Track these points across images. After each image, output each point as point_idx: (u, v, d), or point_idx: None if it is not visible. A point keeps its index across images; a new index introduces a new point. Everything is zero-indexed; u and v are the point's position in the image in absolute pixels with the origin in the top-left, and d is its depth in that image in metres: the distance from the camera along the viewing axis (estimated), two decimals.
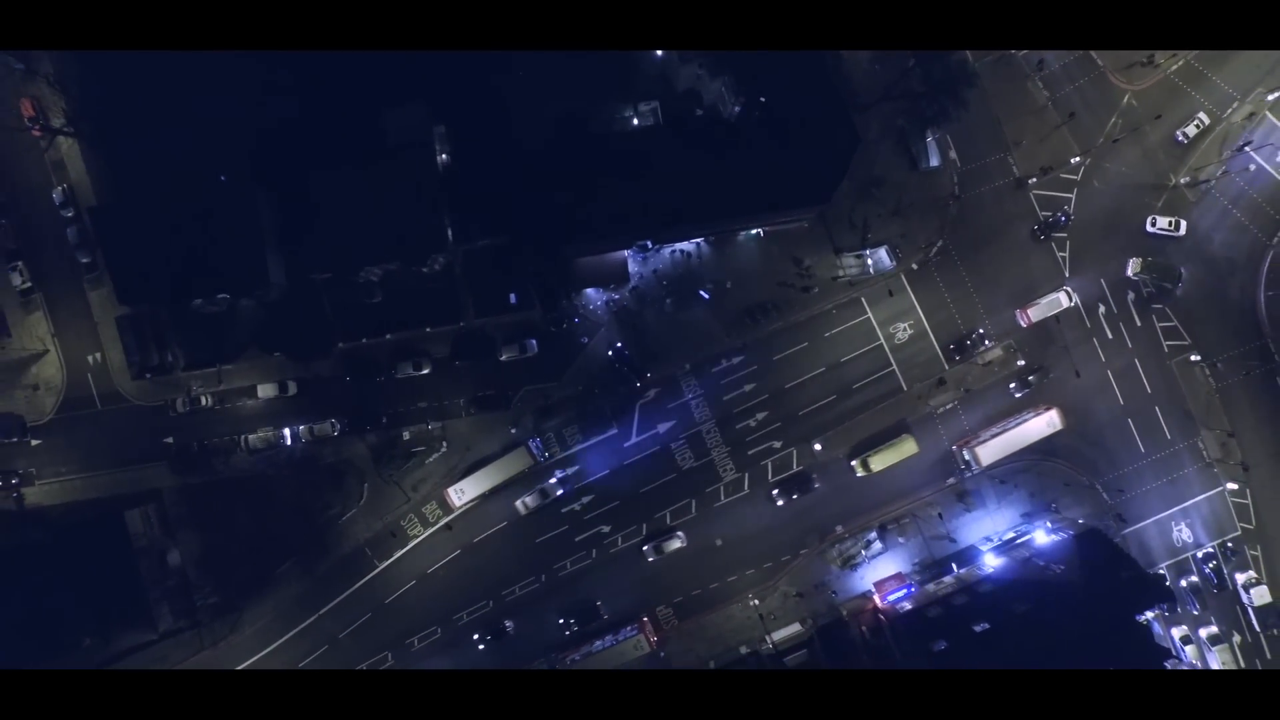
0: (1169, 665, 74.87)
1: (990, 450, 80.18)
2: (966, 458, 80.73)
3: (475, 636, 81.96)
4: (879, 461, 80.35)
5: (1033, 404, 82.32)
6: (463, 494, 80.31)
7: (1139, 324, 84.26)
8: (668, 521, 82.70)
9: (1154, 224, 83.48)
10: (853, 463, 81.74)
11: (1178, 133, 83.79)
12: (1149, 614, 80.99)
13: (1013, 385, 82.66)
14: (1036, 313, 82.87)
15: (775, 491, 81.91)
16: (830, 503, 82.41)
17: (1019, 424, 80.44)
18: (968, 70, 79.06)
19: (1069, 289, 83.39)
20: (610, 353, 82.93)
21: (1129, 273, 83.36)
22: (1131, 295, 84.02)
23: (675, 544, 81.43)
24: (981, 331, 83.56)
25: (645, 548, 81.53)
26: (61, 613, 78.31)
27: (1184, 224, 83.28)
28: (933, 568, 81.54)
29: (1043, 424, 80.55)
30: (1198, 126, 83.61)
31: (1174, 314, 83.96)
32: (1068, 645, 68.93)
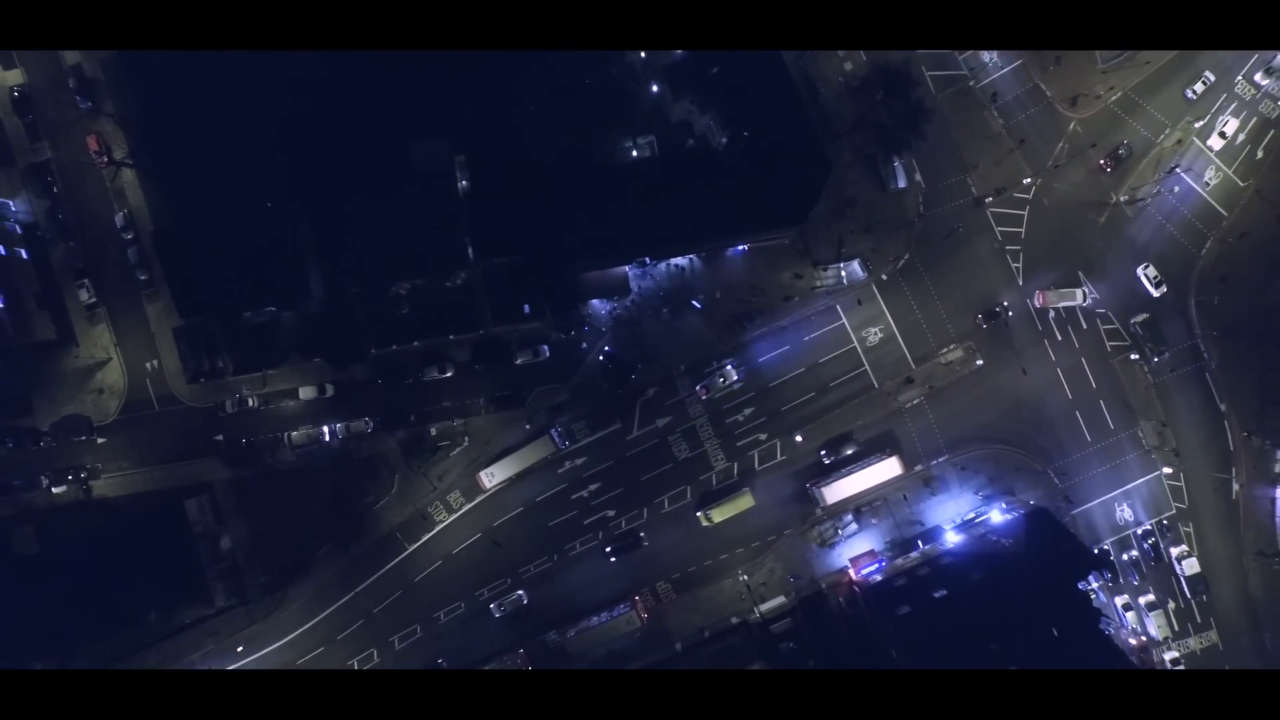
0: (1106, 628, 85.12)
1: (835, 491, 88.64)
2: (816, 495, 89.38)
3: (492, 605, 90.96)
4: (719, 514, 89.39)
5: (880, 449, 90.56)
6: (493, 477, 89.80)
7: (1085, 327, 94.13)
8: (665, 506, 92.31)
9: (1146, 270, 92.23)
10: (698, 514, 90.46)
11: (1187, 90, 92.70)
12: (1094, 584, 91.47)
13: (823, 452, 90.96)
14: (1053, 298, 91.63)
15: (608, 550, 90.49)
16: (670, 554, 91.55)
17: (863, 468, 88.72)
18: (925, 106, 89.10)
19: (1087, 288, 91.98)
20: (600, 358, 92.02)
21: (1132, 321, 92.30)
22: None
23: (519, 600, 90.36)
24: (1006, 303, 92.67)
25: (491, 606, 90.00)
26: (130, 591, 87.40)
27: (1165, 288, 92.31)
28: (901, 545, 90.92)
29: (884, 470, 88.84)
30: (1204, 83, 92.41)
31: (1116, 318, 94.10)
32: (1014, 608, 79.07)
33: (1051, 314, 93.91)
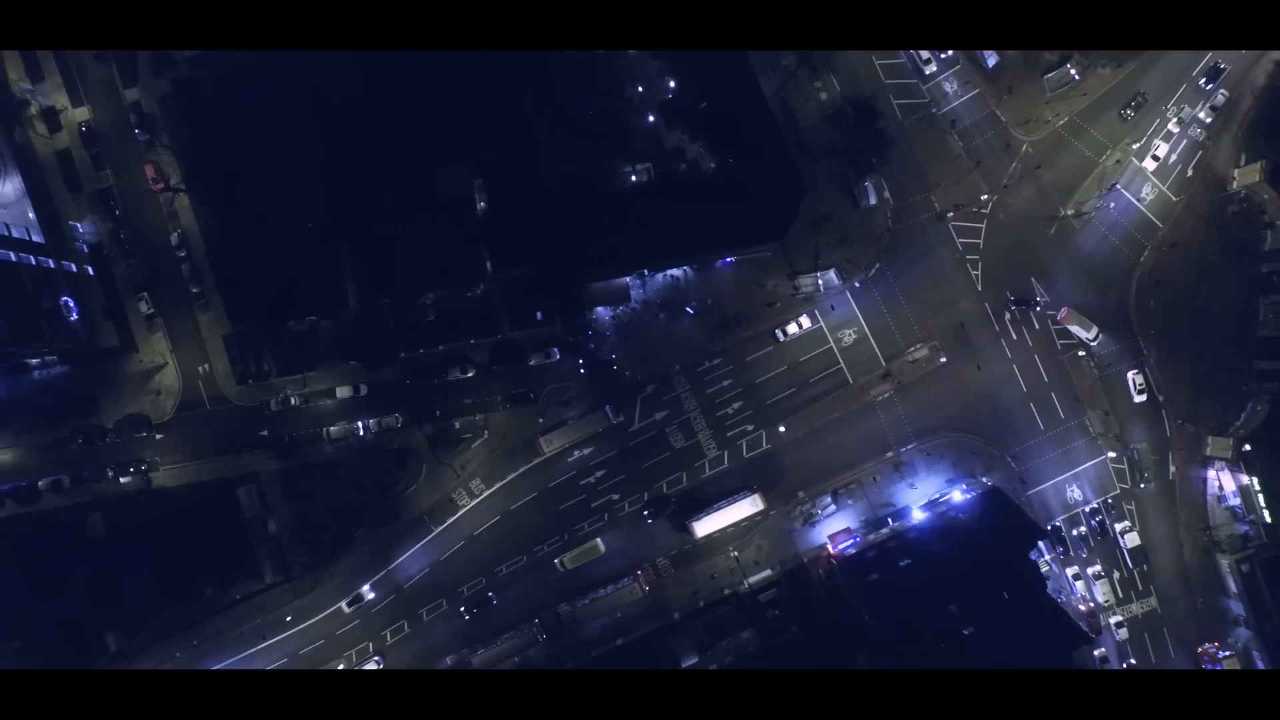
0: (1058, 596, 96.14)
1: (705, 525, 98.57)
2: (690, 527, 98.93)
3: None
4: (571, 560, 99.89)
5: (747, 486, 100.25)
6: (551, 444, 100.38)
7: (1038, 327, 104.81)
8: (664, 490, 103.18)
9: (1134, 376, 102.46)
10: (556, 560, 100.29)
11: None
12: (1047, 556, 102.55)
13: (646, 513, 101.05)
14: (1072, 319, 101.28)
15: (463, 609, 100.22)
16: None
17: (730, 504, 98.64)
18: (889, 135, 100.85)
19: (1099, 330, 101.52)
20: (581, 370, 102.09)
21: (1132, 445, 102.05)
22: (1033, 304, 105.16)
23: (372, 665, 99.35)
24: (1040, 297, 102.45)
25: (350, 662, 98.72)
26: (188, 569, 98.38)
27: (1146, 396, 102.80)
28: (874, 523, 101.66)
29: (748, 505, 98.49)
30: (1216, 68, 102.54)
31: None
32: (970, 574, 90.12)
33: (1007, 315, 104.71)
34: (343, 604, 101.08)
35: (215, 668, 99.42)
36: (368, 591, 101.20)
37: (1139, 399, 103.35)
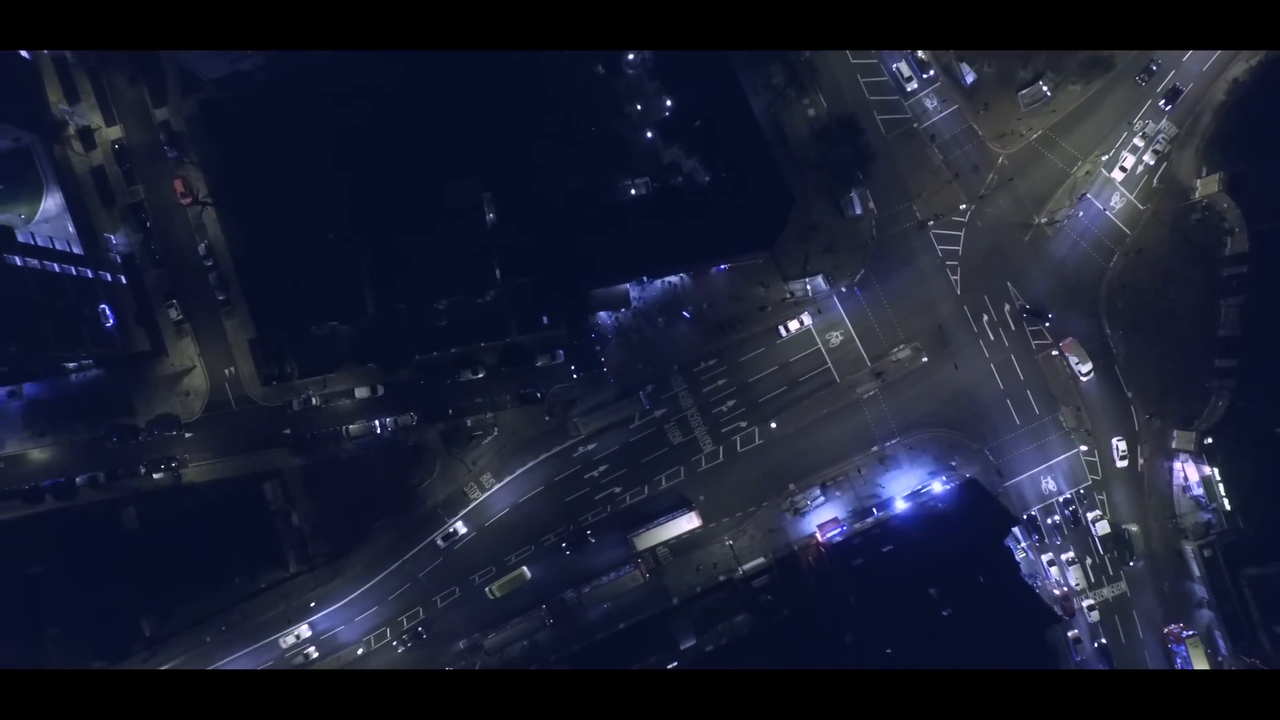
0: (1034, 582, 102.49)
1: (645, 539, 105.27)
2: (631, 541, 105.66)
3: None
4: (499, 589, 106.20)
5: (686, 504, 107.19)
6: (586, 425, 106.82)
7: (1013, 329, 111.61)
8: (663, 484, 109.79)
9: (1119, 441, 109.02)
10: (486, 589, 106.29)
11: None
12: (1023, 543, 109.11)
13: (589, 532, 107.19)
14: (1072, 349, 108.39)
15: (389, 640, 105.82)
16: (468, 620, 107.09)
17: (670, 520, 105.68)
18: (871, 149, 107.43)
19: (1092, 367, 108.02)
20: (574, 376, 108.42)
21: (1124, 526, 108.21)
22: (1007, 308, 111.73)
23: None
24: (1054, 315, 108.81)
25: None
26: (217, 559, 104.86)
27: (1127, 462, 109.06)
28: (860, 512, 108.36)
29: (684, 522, 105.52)
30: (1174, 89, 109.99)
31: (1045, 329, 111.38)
32: (948, 559, 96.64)
33: (985, 318, 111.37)
34: (352, 595, 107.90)
35: (244, 653, 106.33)
36: (383, 576, 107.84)
37: (1121, 464, 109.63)
